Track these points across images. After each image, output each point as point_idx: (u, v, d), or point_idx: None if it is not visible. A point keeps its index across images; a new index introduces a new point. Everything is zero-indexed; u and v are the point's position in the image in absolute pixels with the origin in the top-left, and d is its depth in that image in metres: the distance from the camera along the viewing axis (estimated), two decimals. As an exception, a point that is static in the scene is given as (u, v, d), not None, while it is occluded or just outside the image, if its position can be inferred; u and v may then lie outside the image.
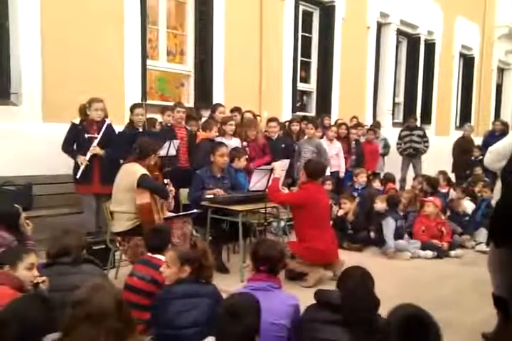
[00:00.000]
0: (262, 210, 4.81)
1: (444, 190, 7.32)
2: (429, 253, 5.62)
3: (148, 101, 6.30)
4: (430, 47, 12.61)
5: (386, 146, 9.08)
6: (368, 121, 10.15)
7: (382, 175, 8.30)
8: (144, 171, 4.26)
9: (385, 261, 5.48)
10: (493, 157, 3.17)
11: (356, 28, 10.18)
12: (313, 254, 4.54)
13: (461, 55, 14.29)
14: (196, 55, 7.47)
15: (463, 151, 9.87)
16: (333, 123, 8.40)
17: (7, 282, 2.51)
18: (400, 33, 11.58)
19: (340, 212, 6.07)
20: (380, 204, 6.10)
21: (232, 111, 6.72)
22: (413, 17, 11.71)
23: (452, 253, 5.74)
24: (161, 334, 2.57)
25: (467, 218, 6.54)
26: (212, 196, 4.77)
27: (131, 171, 4.27)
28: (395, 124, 11.51)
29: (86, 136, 5.08)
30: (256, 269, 2.75)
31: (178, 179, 5.22)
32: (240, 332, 1.98)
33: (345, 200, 6.13)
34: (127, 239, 4.25)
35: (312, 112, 9.69)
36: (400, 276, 4.90)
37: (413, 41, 12.21)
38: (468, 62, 14.72)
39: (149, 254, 3.25)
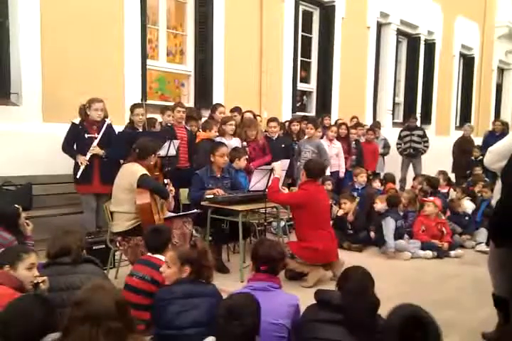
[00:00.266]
0: (262, 210, 4.82)
1: (444, 190, 7.32)
2: (429, 253, 5.63)
3: (148, 101, 6.30)
4: (430, 47, 12.60)
5: (386, 146, 9.08)
6: (368, 121, 10.15)
7: (382, 175, 8.30)
8: (144, 171, 4.26)
9: (385, 261, 5.48)
10: (493, 157, 3.16)
11: (356, 28, 10.17)
12: (313, 254, 4.54)
13: (461, 55, 14.28)
14: (196, 55, 7.47)
15: (463, 151, 9.88)
16: (333, 123, 8.39)
17: (7, 282, 2.51)
18: (400, 32, 11.57)
19: (340, 212, 6.07)
20: (380, 205, 6.11)
21: (232, 111, 6.71)
22: (413, 17, 11.71)
23: (452, 253, 5.74)
24: (161, 334, 2.57)
25: (467, 218, 6.54)
26: (212, 196, 4.77)
27: (131, 171, 4.27)
28: (395, 124, 11.50)
29: (86, 136, 5.08)
30: (256, 269, 2.75)
31: (178, 179, 5.23)
32: (240, 332, 1.98)
33: (345, 200, 6.13)
34: (127, 239, 4.25)
35: (312, 112, 9.69)
36: (400, 276, 4.90)
37: (413, 41, 12.21)
38: (468, 62, 14.71)
39: (149, 254, 3.25)
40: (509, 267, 3.04)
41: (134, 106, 5.57)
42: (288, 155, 6.32)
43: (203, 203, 4.78)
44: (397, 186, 8.41)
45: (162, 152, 5.07)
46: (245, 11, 7.89)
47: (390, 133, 10.08)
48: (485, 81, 15.38)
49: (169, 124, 5.88)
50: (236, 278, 4.48)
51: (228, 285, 3.76)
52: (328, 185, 6.58)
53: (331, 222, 5.47)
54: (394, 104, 11.73)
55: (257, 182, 4.83)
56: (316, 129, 7.03)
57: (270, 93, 8.32)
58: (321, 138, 7.29)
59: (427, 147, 9.56)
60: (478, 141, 10.31)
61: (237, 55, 7.73)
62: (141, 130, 5.50)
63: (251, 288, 2.60)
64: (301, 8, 9.11)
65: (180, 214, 4.68)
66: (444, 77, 13.32)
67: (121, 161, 4.91)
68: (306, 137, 6.99)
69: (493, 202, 3.61)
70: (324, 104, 9.72)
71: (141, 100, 5.92)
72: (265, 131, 6.83)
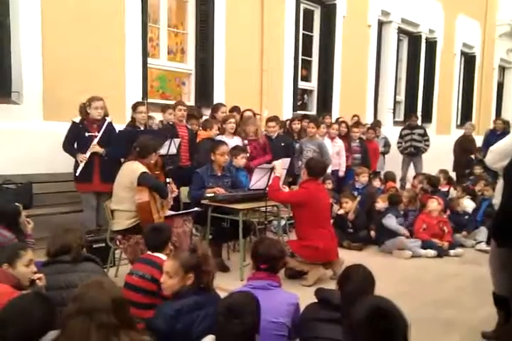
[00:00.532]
0: (263, 209, 4.82)
1: (444, 189, 7.32)
2: (430, 252, 5.62)
3: (149, 100, 6.28)
4: (431, 45, 12.59)
5: (386, 145, 9.07)
6: (369, 120, 10.15)
7: (382, 173, 8.30)
8: (144, 169, 4.26)
9: (385, 260, 5.48)
10: (495, 156, 3.16)
11: (357, 26, 10.16)
12: (313, 253, 4.54)
13: (463, 53, 14.26)
14: (197, 53, 7.46)
15: (464, 150, 9.86)
16: (333, 121, 8.38)
17: (4, 280, 2.51)
18: (401, 31, 11.55)
19: (341, 211, 6.07)
20: (381, 204, 6.11)
21: (231, 111, 6.71)
22: (414, 15, 11.69)
23: (452, 252, 5.74)
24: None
25: (467, 217, 6.54)
26: (212, 194, 4.77)
27: (132, 169, 4.28)
28: (395, 123, 11.50)
29: (86, 134, 5.08)
30: (256, 268, 2.75)
31: (179, 177, 5.23)
32: (240, 330, 1.98)
33: (346, 199, 6.12)
34: (127, 238, 4.25)
35: (313, 111, 9.69)
36: (400, 275, 4.90)
37: (414, 39, 12.19)
38: (469, 61, 14.69)
39: (149, 253, 3.24)
40: (510, 267, 3.04)
41: (136, 104, 5.56)
42: (288, 154, 6.31)
43: (203, 202, 4.78)
44: (398, 185, 8.40)
45: (163, 150, 5.06)
46: (246, 10, 7.88)
47: (391, 131, 10.08)
48: (486, 79, 15.36)
49: (170, 123, 5.88)
50: (236, 277, 4.49)
51: (228, 283, 3.75)
52: (329, 184, 6.58)
53: (332, 221, 5.47)
54: (395, 102, 11.72)
55: (258, 180, 4.83)
56: (318, 128, 7.03)
57: (271, 91, 8.32)
58: (325, 135, 7.30)
59: (428, 146, 9.54)
60: (479, 139, 10.29)
61: (238, 53, 7.72)
62: (142, 128, 5.49)
63: (251, 287, 2.60)
64: (302, 6, 9.10)
65: (181, 212, 4.68)
66: (445, 75, 13.30)
67: (122, 160, 4.91)
68: (308, 136, 6.99)
69: (495, 202, 3.62)
70: (325, 103, 9.72)
71: (142, 98, 5.91)
72: (265, 130, 6.83)
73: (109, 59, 6.11)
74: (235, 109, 6.80)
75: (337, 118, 8.76)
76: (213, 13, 7.35)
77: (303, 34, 9.23)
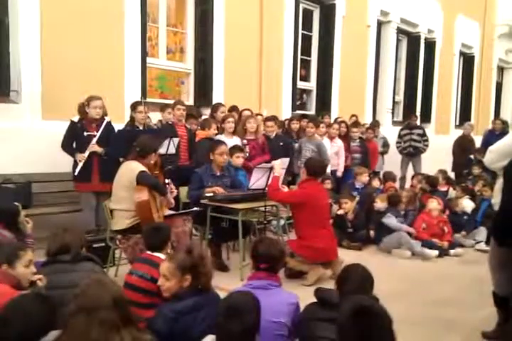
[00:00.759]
0: (262, 209, 4.81)
1: (443, 189, 7.32)
2: (435, 252, 5.60)
3: (148, 99, 6.29)
4: (430, 45, 12.59)
5: (385, 145, 9.07)
6: (368, 120, 10.15)
7: (381, 173, 8.30)
8: (143, 168, 4.26)
9: (384, 260, 5.48)
10: (494, 156, 3.16)
11: (356, 26, 10.16)
12: (312, 253, 4.54)
13: (462, 53, 14.28)
14: (196, 53, 7.46)
15: (463, 150, 9.87)
16: (332, 121, 8.38)
17: (5, 280, 2.50)
18: (400, 31, 11.56)
19: (341, 212, 6.07)
20: (380, 204, 6.11)
21: (229, 110, 6.71)
22: (413, 15, 11.70)
23: (452, 252, 5.74)
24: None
25: (465, 217, 6.54)
26: (211, 194, 4.77)
27: (131, 168, 4.27)
28: (394, 123, 11.51)
29: (85, 133, 5.08)
30: (256, 267, 2.74)
31: (179, 177, 5.23)
32: (240, 330, 1.97)
33: (346, 200, 6.12)
34: (127, 237, 4.24)
35: (312, 110, 9.69)
36: (399, 275, 4.90)
37: (413, 40, 12.20)
38: (468, 61, 14.71)
39: (149, 252, 3.24)
40: (510, 266, 3.05)
41: (136, 104, 5.56)
42: (287, 154, 6.31)
43: (202, 201, 4.77)
44: (397, 185, 8.40)
45: (162, 150, 5.06)
46: (245, 9, 7.87)
47: (390, 131, 10.08)
48: (485, 80, 15.38)
49: (169, 122, 5.88)
50: (236, 277, 4.48)
51: (228, 283, 3.75)
52: (328, 184, 6.57)
53: (331, 221, 5.47)
54: (394, 102, 11.72)
55: (257, 180, 4.83)
56: (317, 128, 7.03)
57: (270, 91, 8.31)
58: (324, 134, 7.31)
59: (427, 146, 9.55)
60: (478, 139, 10.30)
61: (237, 53, 7.72)
62: (141, 128, 5.49)
63: (250, 287, 2.59)
64: (301, 6, 9.10)
65: (180, 212, 4.67)
66: (444, 75, 13.31)
67: (121, 159, 4.91)
68: (307, 136, 6.99)
69: (493, 202, 3.61)
70: (324, 103, 9.71)
71: (141, 98, 5.91)
72: (263, 130, 6.81)
73: (108, 58, 6.10)
74: (233, 108, 6.80)
75: (336, 118, 8.76)
76: (212, 12, 7.34)
77: (302, 34, 9.23)
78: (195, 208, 4.69)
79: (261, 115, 7.20)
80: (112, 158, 5.12)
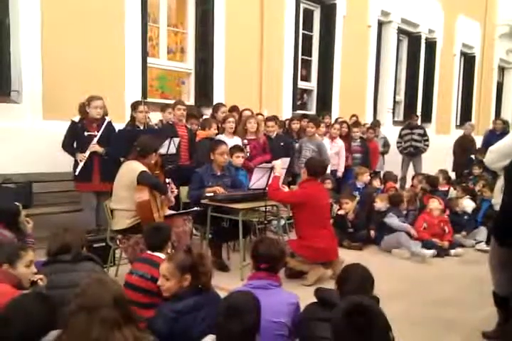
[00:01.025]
0: (262, 208, 4.81)
1: (443, 189, 7.32)
2: (429, 251, 5.61)
3: (149, 99, 6.30)
4: (431, 45, 12.59)
5: (386, 145, 9.07)
6: (369, 120, 10.14)
7: (382, 173, 8.30)
8: (144, 168, 4.26)
9: (384, 260, 5.48)
10: (494, 156, 3.16)
11: (357, 26, 10.16)
12: (313, 253, 4.54)
13: (462, 53, 14.27)
14: (197, 53, 7.46)
15: (464, 150, 9.86)
16: (333, 122, 8.39)
17: (6, 279, 2.50)
18: (400, 31, 11.56)
19: (341, 212, 6.06)
20: (380, 203, 6.11)
21: (230, 110, 6.71)
22: (414, 15, 11.69)
23: (452, 251, 5.74)
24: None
25: (466, 217, 6.54)
26: (212, 194, 4.77)
27: (132, 168, 4.27)
28: (395, 123, 11.50)
29: (86, 133, 5.08)
30: (256, 267, 2.74)
31: (179, 177, 5.23)
32: (240, 330, 1.97)
33: (346, 200, 6.12)
34: (127, 237, 4.25)
35: (312, 110, 9.69)
36: (400, 275, 4.90)
37: (414, 40, 12.19)
38: (469, 61, 14.70)
39: (149, 252, 3.24)
40: (510, 266, 3.05)
41: (137, 104, 5.56)
42: (287, 154, 6.31)
43: (203, 201, 4.77)
44: (397, 185, 8.40)
45: (162, 150, 5.06)
46: (246, 9, 7.87)
47: (391, 131, 10.07)
48: (486, 80, 15.37)
49: (170, 122, 5.88)
50: (236, 277, 4.48)
51: (228, 283, 3.75)
52: (328, 184, 6.57)
53: (331, 221, 5.47)
54: (394, 102, 11.73)
55: (258, 180, 4.82)
56: (317, 127, 7.03)
57: (270, 91, 8.31)
58: (325, 134, 7.30)
59: (428, 146, 9.54)
60: (478, 139, 10.30)
61: (237, 53, 7.72)
62: (142, 128, 5.49)
63: (251, 286, 2.59)
64: (302, 6, 9.10)
65: (181, 212, 4.68)
66: (445, 75, 13.30)
67: (122, 159, 4.91)
68: (307, 136, 6.98)
69: (494, 202, 3.62)
70: (325, 103, 9.72)
71: (141, 98, 5.91)
72: (264, 130, 6.82)
73: (109, 58, 6.11)
74: (234, 108, 6.80)
75: (337, 119, 8.76)
76: (213, 12, 7.35)
77: (303, 34, 9.23)
78: (195, 208, 4.69)
79: (261, 115, 7.20)
80: (112, 157, 5.13)
